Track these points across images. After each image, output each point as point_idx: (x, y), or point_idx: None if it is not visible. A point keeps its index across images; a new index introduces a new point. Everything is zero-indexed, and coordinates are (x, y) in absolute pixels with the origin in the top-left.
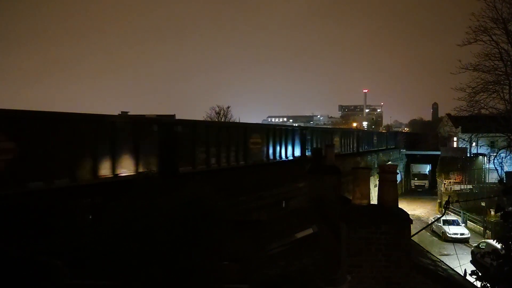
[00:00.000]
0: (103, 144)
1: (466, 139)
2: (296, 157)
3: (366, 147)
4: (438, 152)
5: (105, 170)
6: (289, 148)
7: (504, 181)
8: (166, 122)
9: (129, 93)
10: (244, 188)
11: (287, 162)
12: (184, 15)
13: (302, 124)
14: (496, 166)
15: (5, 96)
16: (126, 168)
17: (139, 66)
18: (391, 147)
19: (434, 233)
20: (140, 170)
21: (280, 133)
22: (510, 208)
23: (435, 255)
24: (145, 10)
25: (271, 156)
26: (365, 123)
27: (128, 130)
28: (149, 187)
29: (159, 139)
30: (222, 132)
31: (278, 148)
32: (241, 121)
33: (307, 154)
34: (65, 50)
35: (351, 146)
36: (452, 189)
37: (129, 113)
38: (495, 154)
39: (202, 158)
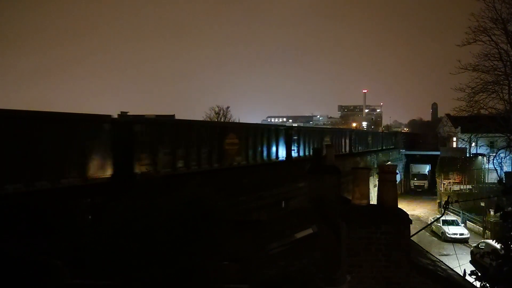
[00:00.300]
0: (38, 146)
1: (466, 139)
2: (281, 159)
3: (360, 147)
4: (438, 152)
5: (39, 178)
6: (273, 149)
7: (504, 181)
8: (122, 121)
9: (129, 93)
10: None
11: (270, 164)
12: (184, 15)
13: (301, 124)
14: (495, 166)
15: (5, 96)
16: (68, 174)
17: (139, 66)
18: (387, 147)
19: (433, 233)
20: (89, 175)
21: (262, 133)
22: (510, 208)
23: (434, 255)
24: (145, 10)
25: (251, 159)
26: (364, 123)
27: (72, 130)
28: (149, 187)
29: (113, 140)
30: (193, 132)
31: (259, 149)
32: (240, 121)
33: (293, 155)
34: (65, 50)
35: (343, 147)
36: (451, 189)
37: (128, 113)
38: (494, 154)
39: (167, 161)
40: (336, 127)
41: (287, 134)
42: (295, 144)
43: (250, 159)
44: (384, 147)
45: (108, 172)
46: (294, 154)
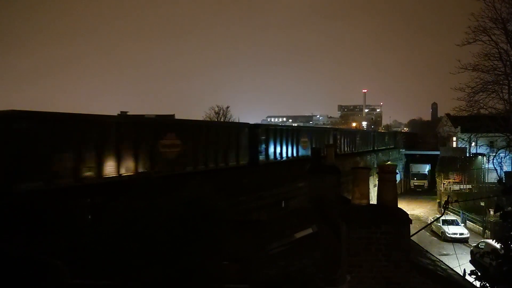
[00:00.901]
0: None
1: (466, 139)
2: (243, 164)
3: (346, 149)
4: (438, 152)
5: None
6: (232, 152)
7: (503, 181)
8: None
9: (129, 93)
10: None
11: (228, 170)
12: (184, 15)
13: (301, 124)
14: (495, 166)
15: (5, 96)
16: None
17: (139, 66)
18: (381, 147)
19: (433, 233)
20: None
21: (216, 132)
22: (510, 208)
23: (434, 255)
24: (145, 10)
25: (201, 163)
26: (364, 123)
27: None
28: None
29: None
30: (109, 131)
31: (212, 152)
32: (240, 121)
33: (260, 159)
34: (65, 50)
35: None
36: (451, 189)
37: (128, 113)
38: (494, 154)
39: (67, 168)
40: (316, 126)
41: (252, 133)
42: (263, 145)
43: (200, 164)
44: (376, 148)
45: None
46: (261, 157)
